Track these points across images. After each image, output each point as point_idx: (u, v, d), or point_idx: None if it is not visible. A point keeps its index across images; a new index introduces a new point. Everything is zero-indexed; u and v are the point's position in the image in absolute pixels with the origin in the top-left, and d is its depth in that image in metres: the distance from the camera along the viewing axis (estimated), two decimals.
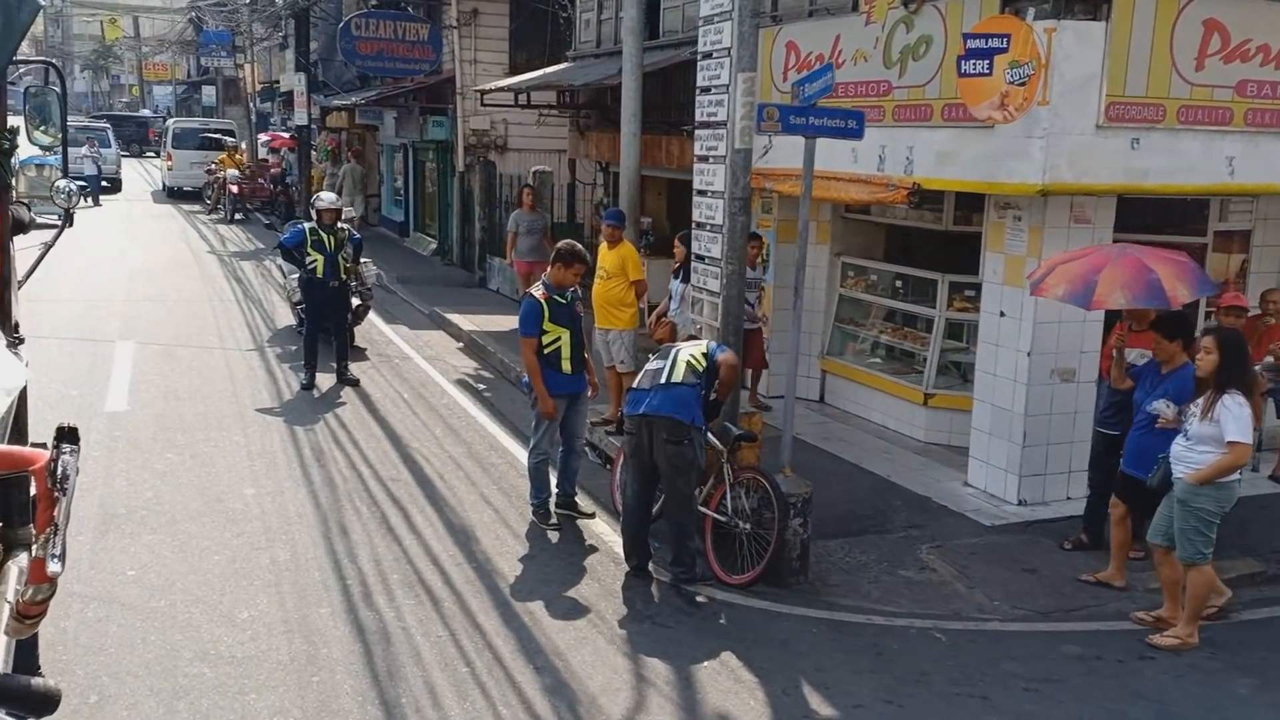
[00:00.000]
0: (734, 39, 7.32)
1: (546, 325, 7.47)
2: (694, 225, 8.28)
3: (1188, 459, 6.12)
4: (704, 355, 6.80)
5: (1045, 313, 8.25)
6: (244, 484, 8.33)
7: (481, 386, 12.01)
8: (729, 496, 6.98)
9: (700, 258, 8.13)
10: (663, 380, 6.62)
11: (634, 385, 6.80)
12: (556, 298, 7.55)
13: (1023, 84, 7.50)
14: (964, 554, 7.54)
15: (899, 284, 10.93)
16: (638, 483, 6.73)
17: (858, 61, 9.46)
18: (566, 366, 7.54)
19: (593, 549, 7.42)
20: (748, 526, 6.91)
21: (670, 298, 9.62)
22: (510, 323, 14.88)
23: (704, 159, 8.01)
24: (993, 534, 7.92)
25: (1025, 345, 8.37)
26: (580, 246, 7.79)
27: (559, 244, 7.81)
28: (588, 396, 7.94)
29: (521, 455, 9.38)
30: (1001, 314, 8.63)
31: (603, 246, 9.87)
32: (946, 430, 10.06)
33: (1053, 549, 7.58)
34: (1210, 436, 6.03)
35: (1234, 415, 5.96)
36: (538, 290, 7.57)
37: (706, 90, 7.93)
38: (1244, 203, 9.64)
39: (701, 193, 8.06)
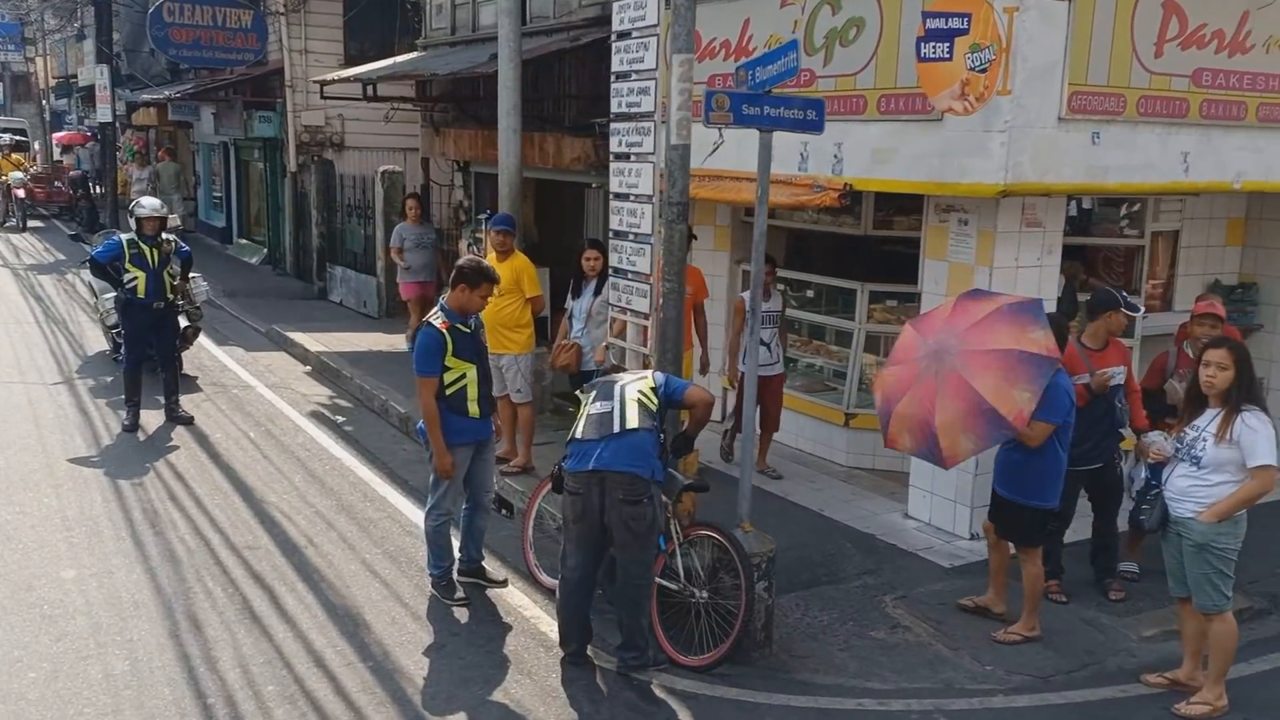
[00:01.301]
0: (664, 14, 6.18)
1: (449, 361, 6.15)
2: (611, 234, 7.09)
3: (1197, 494, 5.31)
4: (654, 390, 5.62)
5: None
6: (60, 564, 6.69)
7: (340, 419, 10.49)
8: (679, 559, 5.83)
9: (621, 272, 6.94)
10: (614, 428, 5.40)
11: (576, 435, 5.52)
12: (460, 327, 6.25)
13: (984, 70, 6.62)
14: (933, 605, 6.61)
15: (810, 294, 10.01)
16: (583, 552, 5.49)
17: (771, 48, 8.42)
18: (473, 409, 6.25)
19: (512, 628, 6.14)
20: (704, 595, 5.78)
21: (570, 316, 8.34)
22: (365, 340, 13.39)
23: (624, 157, 6.83)
24: (955, 577, 7.02)
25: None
26: (487, 263, 6.49)
27: (461, 261, 6.49)
28: (494, 441, 6.65)
29: (404, 504, 8.01)
30: None
31: (489, 258, 8.56)
32: (870, 453, 9.16)
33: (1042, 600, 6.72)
34: (1229, 462, 5.24)
35: (1261, 435, 5.19)
36: (437, 319, 6.23)
37: (625, 76, 6.76)
38: (1174, 202, 9.10)
39: (622, 196, 6.87)
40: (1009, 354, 5.58)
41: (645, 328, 6.75)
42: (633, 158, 6.73)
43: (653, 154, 6.53)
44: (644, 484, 5.30)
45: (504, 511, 8.17)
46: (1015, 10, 6.62)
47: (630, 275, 6.84)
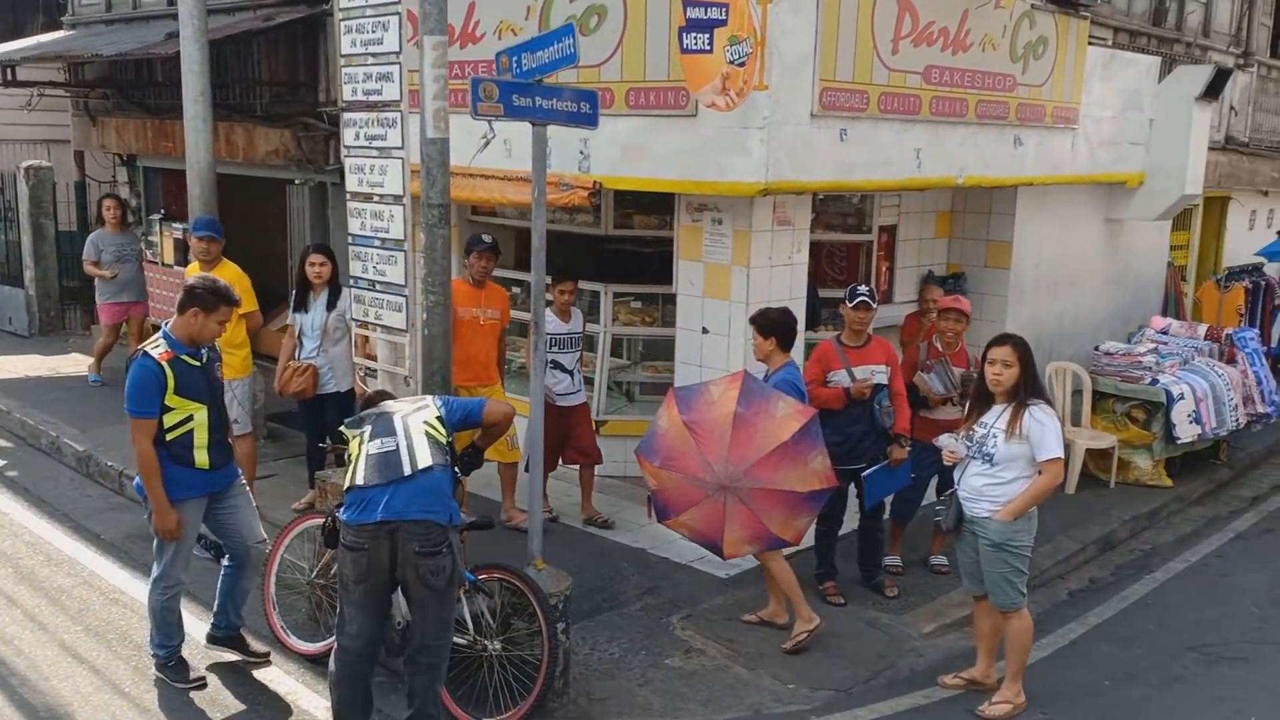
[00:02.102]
0: None
1: (171, 400, 5.12)
2: (351, 240, 6.25)
3: (992, 493, 5.31)
4: (439, 420, 4.90)
5: None
6: None
7: (1, 462, 8.86)
8: (465, 607, 5.16)
9: (366, 282, 6.13)
10: (404, 469, 4.62)
11: (354, 481, 4.67)
12: (186, 359, 5.22)
13: (742, 64, 6.35)
14: (720, 622, 6.33)
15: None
16: (367, 616, 4.67)
17: (503, 36, 7.84)
18: (201, 458, 5.24)
19: (268, 709, 5.22)
20: (497, 646, 5.15)
21: (300, 334, 7.36)
22: (17, 364, 11.55)
23: (362, 151, 6.02)
24: (733, 588, 6.78)
25: (737, 364, 7.30)
26: (224, 283, 5.48)
27: (192, 280, 5.44)
28: (243, 484, 5.65)
29: (101, 564, 6.82)
30: (705, 330, 7.51)
31: (193, 269, 7.42)
32: (621, 460, 8.79)
33: (819, 602, 6.57)
34: (1019, 456, 5.27)
35: (1049, 428, 5.24)
36: (156, 348, 5.17)
37: (359, 59, 5.97)
38: (891, 197, 9.34)
39: (362, 196, 6.06)
40: (795, 495, 5.67)
41: (400, 344, 5.98)
42: (375, 152, 5.93)
43: (401, 148, 5.79)
44: (442, 531, 4.59)
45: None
46: (769, 1, 6.41)
47: (379, 286, 6.05)
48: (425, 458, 4.69)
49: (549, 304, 7.32)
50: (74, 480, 8.52)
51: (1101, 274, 10.95)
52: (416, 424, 4.83)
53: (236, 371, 7.29)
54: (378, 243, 6.03)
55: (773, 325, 6.17)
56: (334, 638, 5.49)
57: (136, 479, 5.27)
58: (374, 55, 5.84)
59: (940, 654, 6.12)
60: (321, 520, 5.73)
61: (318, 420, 7.41)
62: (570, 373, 7.46)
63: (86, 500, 8.08)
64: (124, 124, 12.29)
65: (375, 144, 5.93)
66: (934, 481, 7.16)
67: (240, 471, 5.59)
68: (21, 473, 8.63)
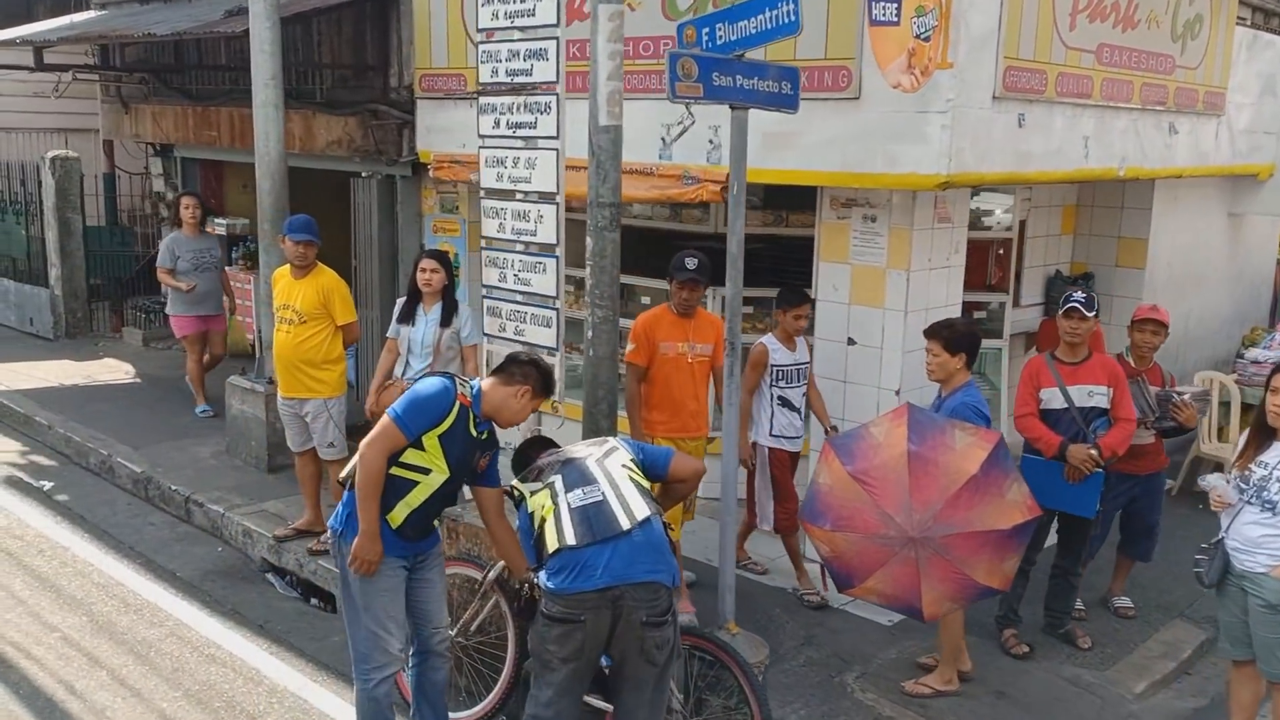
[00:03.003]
0: None
1: (428, 440, 4.18)
2: (485, 243, 5.43)
3: (1272, 544, 4.50)
4: (635, 463, 4.08)
5: (916, 338, 6.44)
6: None
7: (47, 485, 8.02)
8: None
9: (505, 292, 5.32)
10: (623, 523, 3.80)
11: (564, 542, 3.81)
12: (472, 420, 4.28)
13: (927, 38, 5.56)
14: (896, 680, 5.52)
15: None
16: (571, 702, 3.84)
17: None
18: (399, 514, 4.24)
19: None
20: None
21: (409, 352, 6.44)
22: (48, 370, 10.65)
23: (502, 141, 5.21)
24: (902, 636, 6.00)
25: (892, 381, 6.51)
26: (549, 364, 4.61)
27: (524, 354, 4.55)
28: (440, 556, 4.68)
29: (186, 611, 6.01)
30: (851, 341, 6.69)
31: (283, 275, 6.59)
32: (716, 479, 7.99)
33: (998, 652, 5.80)
34: None
35: None
36: (462, 386, 4.28)
37: (503, 34, 5.11)
38: (1024, 189, 8.54)
39: (502, 194, 5.24)
40: (997, 534, 4.82)
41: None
42: (521, 143, 5.10)
43: (555, 138, 4.95)
44: (669, 595, 3.79)
45: (304, 597, 6.33)
46: None
47: (521, 297, 5.22)
48: (641, 507, 3.89)
49: (771, 329, 6.50)
50: (132, 506, 7.69)
51: (1223, 272, 10.19)
52: (616, 468, 4.02)
53: (332, 389, 6.47)
54: (520, 247, 5.20)
55: (961, 339, 5.37)
56: (478, 708, 4.73)
57: (335, 521, 4.32)
58: (522, 29, 5.00)
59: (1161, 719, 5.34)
60: (466, 569, 4.92)
61: None
62: (798, 410, 6.38)
63: (151, 530, 7.25)
64: (162, 111, 11.40)
65: (520, 133, 5.10)
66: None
67: (439, 541, 4.65)
68: (73, 497, 7.79)
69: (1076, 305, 5.66)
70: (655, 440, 5.39)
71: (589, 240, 4.62)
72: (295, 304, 6.37)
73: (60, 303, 12.48)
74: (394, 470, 4.15)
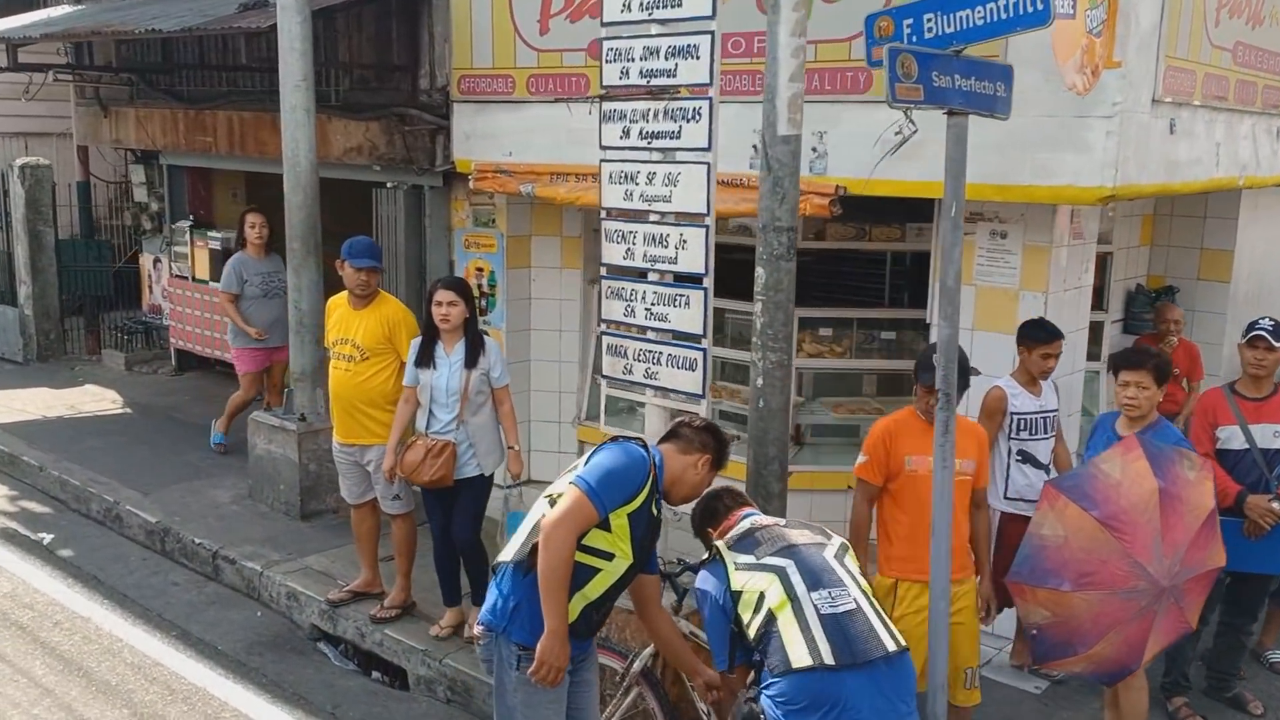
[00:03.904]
0: None
1: (616, 519, 3.48)
2: (603, 270, 4.66)
3: None
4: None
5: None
6: None
7: (45, 537, 7.10)
8: None
9: (635, 330, 4.55)
10: (887, 645, 3.08)
11: (819, 659, 3.04)
12: (654, 502, 3.59)
13: (1099, 34, 4.89)
14: None
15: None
16: None
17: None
18: (574, 611, 3.52)
19: None
20: None
21: (431, 401, 5.32)
22: (28, 400, 9.69)
23: (631, 153, 4.45)
24: (1056, 706, 5.32)
25: None
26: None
27: (705, 422, 3.83)
28: (595, 649, 3.94)
29: (234, 695, 5.16)
30: (975, 371, 6.00)
31: (338, 305, 5.75)
32: (805, 514, 7.29)
33: None
34: None
35: None
36: (654, 451, 3.58)
37: (636, 28, 4.36)
38: None
39: (630, 214, 4.48)
40: (1213, 573, 4.44)
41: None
42: (658, 155, 4.35)
43: (706, 149, 4.20)
44: None
45: (393, 682, 5.52)
46: None
47: (654, 335, 4.46)
48: (895, 631, 3.19)
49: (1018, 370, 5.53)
50: (148, 562, 6.81)
51: None
52: (855, 569, 3.31)
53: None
54: (655, 277, 4.44)
55: (1165, 369, 4.75)
56: None
57: (509, 628, 3.50)
58: (663, 22, 4.25)
59: None
60: (606, 658, 4.15)
61: (448, 513, 5.48)
62: (1044, 467, 5.36)
63: (176, 592, 6.38)
64: (147, 114, 10.43)
65: (659, 143, 4.35)
66: None
67: (593, 643, 3.87)
68: (78, 552, 6.88)
69: (1263, 334, 5.04)
70: (897, 584, 4.34)
71: (760, 271, 3.89)
72: (355, 338, 5.55)
73: (31, 323, 11.46)
74: (579, 559, 3.40)
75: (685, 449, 3.64)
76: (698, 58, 4.15)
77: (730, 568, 3.34)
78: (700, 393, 4.33)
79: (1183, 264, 8.50)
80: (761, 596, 3.23)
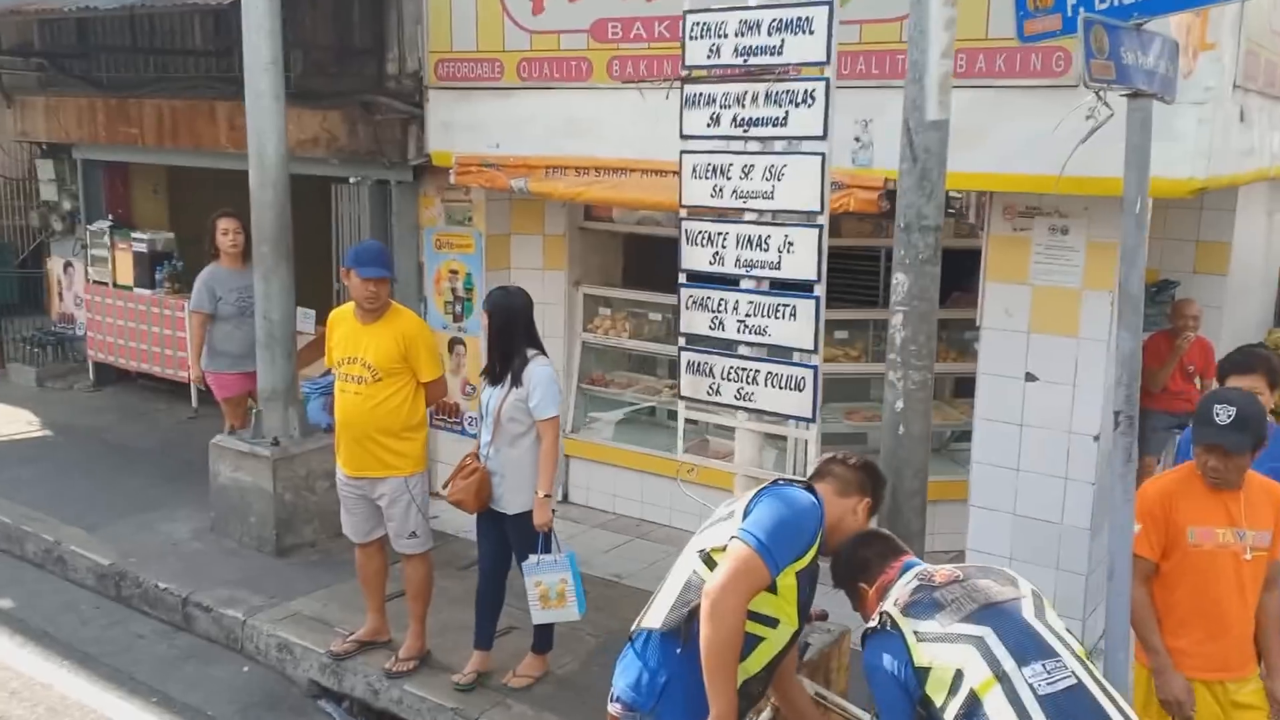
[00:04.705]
0: None
1: (784, 582, 2.92)
2: (683, 276, 4.08)
3: None
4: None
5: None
6: None
7: None
8: None
9: (722, 345, 3.98)
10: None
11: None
12: (811, 552, 3.01)
13: (1198, 12, 4.51)
14: None
15: (662, 319, 7.49)
16: None
17: None
18: (737, 682, 2.93)
19: None
20: None
21: (482, 416, 4.89)
22: None
23: (720, 142, 3.87)
24: None
25: (1090, 425, 5.48)
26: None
27: (859, 458, 3.28)
28: None
29: None
30: (1030, 377, 5.62)
31: (343, 319, 5.04)
32: None
33: None
34: None
35: None
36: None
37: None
38: None
39: (719, 212, 3.90)
40: None
41: (785, 442, 3.87)
42: (756, 144, 3.79)
43: (821, 138, 3.66)
44: None
45: None
46: None
47: (749, 350, 3.90)
48: (1125, 705, 2.69)
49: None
50: (103, 611, 5.99)
51: (1261, 275, 9.64)
52: (1060, 627, 2.80)
53: (415, 463, 4.98)
54: (752, 284, 3.88)
55: (1277, 371, 4.37)
56: None
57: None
58: None
59: None
60: None
61: (495, 545, 4.96)
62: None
63: (144, 647, 5.60)
64: (59, 104, 9.41)
65: (757, 131, 3.79)
66: None
67: None
68: (19, 602, 6.02)
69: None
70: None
71: (901, 277, 3.37)
72: (366, 356, 4.85)
73: None
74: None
75: (843, 491, 3.11)
76: (810, 32, 3.60)
77: (910, 639, 2.79)
78: (810, 416, 3.80)
79: (1178, 257, 8.28)
80: (959, 674, 2.69)
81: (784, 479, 3.06)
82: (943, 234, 6.65)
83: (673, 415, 7.73)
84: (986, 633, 2.72)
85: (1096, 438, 5.48)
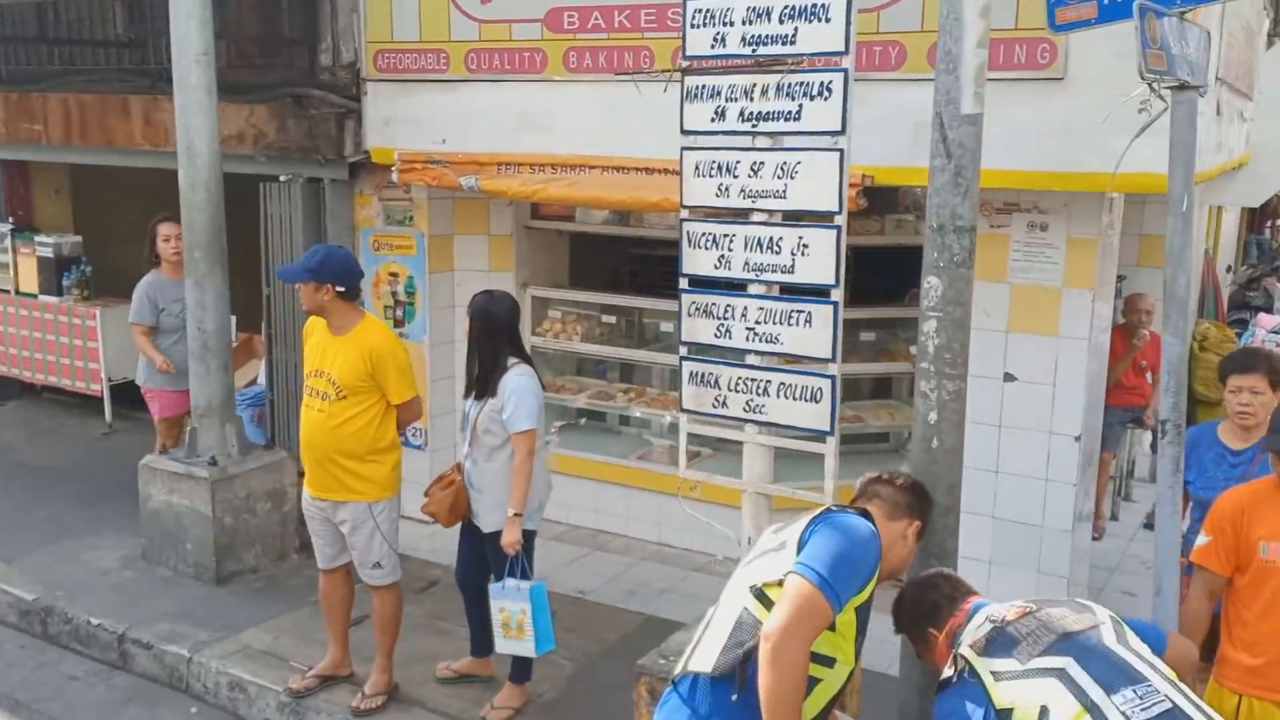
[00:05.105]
0: None
1: (844, 619, 2.70)
2: (684, 282, 3.82)
3: None
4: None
5: (1102, 372, 5.39)
6: None
7: None
8: None
9: (733, 355, 3.73)
10: None
11: None
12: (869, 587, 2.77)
13: None
14: None
15: (618, 322, 7.27)
16: None
17: None
18: None
19: None
20: None
21: (462, 427, 4.68)
22: None
23: (724, 138, 3.63)
24: None
25: (1071, 426, 5.39)
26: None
27: (908, 478, 3.10)
28: None
29: None
30: (1009, 377, 5.51)
31: (316, 328, 4.68)
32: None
33: None
34: None
35: None
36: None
37: None
38: None
39: (729, 211, 3.65)
40: None
41: (808, 456, 3.65)
42: (766, 140, 3.55)
43: (840, 132, 3.44)
44: None
45: None
46: None
47: (759, 359, 3.67)
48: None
49: None
50: (29, 651, 5.51)
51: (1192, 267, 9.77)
52: (1144, 650, 2.62)
53: (381, 489, 4.62)
54: (762, 288, 3.64)
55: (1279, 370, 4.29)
56: None
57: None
58: None
59: None
60: None
61: (469, 557, 4.78)
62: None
63: (78, 689, 5.15)
64: None
65: (766, 126, 3.55)
66: None
67: None
68: None
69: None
70: (1241, 702, 3.48)
71: (933, 280, 3.16)
72: (331, 371, 4.49)
73: None
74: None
75: (892, 514, 2.90)
76: (827, 20, 3.37)
77: (987, 680, 2.58)
78: (829, 428, 3.57)
79: (1122, 251, 8.28)
80: (1044, 711, 2.48)
81: (836, 505, 2.82)
82: (908, 230, 6.59)
83: (625, 420, 7.57)
84: (1069, 663, 2.53)
85: (1078, 438, 5.39)
